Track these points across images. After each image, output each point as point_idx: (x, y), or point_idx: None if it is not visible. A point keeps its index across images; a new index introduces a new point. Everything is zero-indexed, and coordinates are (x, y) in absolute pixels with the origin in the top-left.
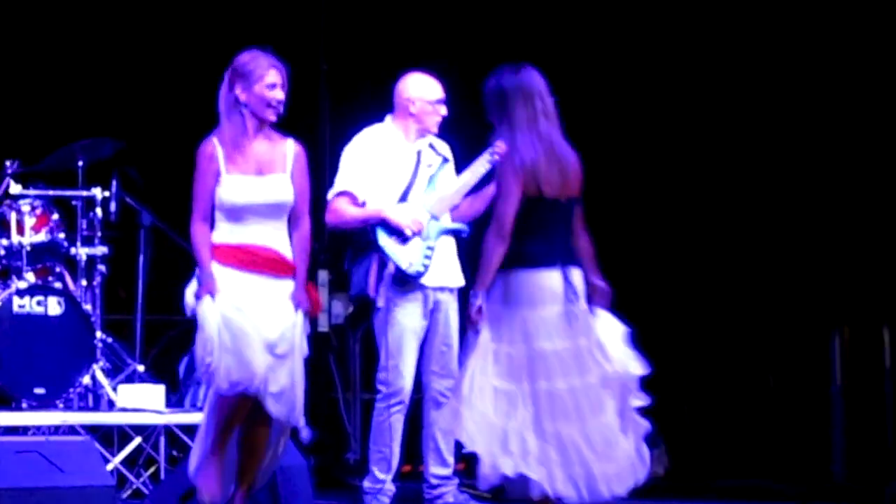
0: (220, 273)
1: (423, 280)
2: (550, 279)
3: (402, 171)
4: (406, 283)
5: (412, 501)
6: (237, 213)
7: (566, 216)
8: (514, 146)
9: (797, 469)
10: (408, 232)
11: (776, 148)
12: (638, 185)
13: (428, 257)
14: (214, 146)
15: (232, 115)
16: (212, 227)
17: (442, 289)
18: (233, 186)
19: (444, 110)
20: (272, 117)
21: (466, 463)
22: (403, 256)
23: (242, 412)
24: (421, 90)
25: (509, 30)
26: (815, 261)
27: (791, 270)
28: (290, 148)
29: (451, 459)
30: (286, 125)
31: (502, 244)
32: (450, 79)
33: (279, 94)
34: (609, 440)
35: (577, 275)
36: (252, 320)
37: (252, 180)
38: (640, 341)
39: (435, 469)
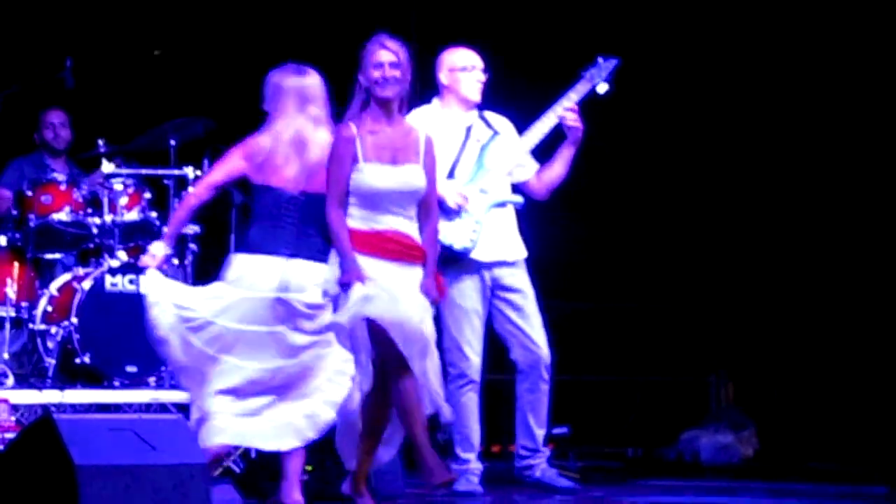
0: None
1: (477, 256)
2: (267, 266)
3: (450, 147)
4: (456, 261)
5: (503, 480)
6: (374, 200)
7: (302, 210)
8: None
9: (888, 451)
10: (451, 205)
11: (866, 139)
12: (738, 176)
13: (475, 232)
14: (352, 130)
15: (358, 99)
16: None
17: (500, 263)
18: (370, 173)
19: (479, 76)
20: (382, 93)
21: (556, 443)
22: (448, 233)
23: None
24: (448, 61)
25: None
26: None
27: (883, 252)
28: (422, 137)
29: (540, 433)
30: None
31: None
32: (531, 54)
33: (386, 71)
34: None
35: (299, 266)
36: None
37: (388, 169)
38: (730, 324)
39: (524, 441)
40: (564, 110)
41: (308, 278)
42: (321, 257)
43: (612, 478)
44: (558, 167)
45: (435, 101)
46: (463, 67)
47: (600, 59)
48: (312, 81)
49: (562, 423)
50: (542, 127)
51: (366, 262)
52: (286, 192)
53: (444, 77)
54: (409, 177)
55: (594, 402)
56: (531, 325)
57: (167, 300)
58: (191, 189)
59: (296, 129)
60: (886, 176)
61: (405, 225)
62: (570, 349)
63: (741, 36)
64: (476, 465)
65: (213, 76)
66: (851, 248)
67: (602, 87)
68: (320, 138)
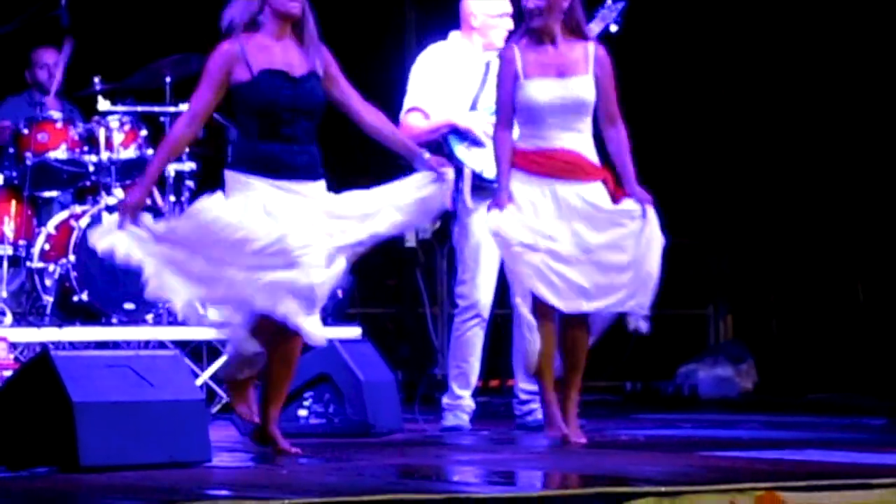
0: (517, 179)
1: None
2: None
3: (470, 81)
4: (484, 189)
5: (501, 416)
6: (536, 116)
7: None
8: None
9: (887, 383)
10: (479, 134)
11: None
12: (736, 108)
13: None
14: (513, 50)
15: (524, 22)
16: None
17: None
18: (531, 88)
19: (509, 23)
20: (531, 24)
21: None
22: (478, 161)
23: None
24: (483, 5)
25: None
26: None
27: (881, 182)
28: (591, 50)
29: None
30: (373, 45)
31: None
32: None
33: (530, 2)
34: None
35: None
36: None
37: (551, 82)
38: (729, 257)
39: (524, 384)
40: None
41: None
42: None
43: (610, 412)
44: None
45: (454, 35)
46: (499, 14)
47: (609, 0)
48: None
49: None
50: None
51: (530, 183)
52: None
53: (475, 21)
54: (574, 89)
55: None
56: None
57: None
58: None
59: None
60: (886, 109)
61: (574, 141)
62: None
63: None
64: (469, 403)
65: (208, 12)
66: (851, 180)
67: (613, 28)
68: None
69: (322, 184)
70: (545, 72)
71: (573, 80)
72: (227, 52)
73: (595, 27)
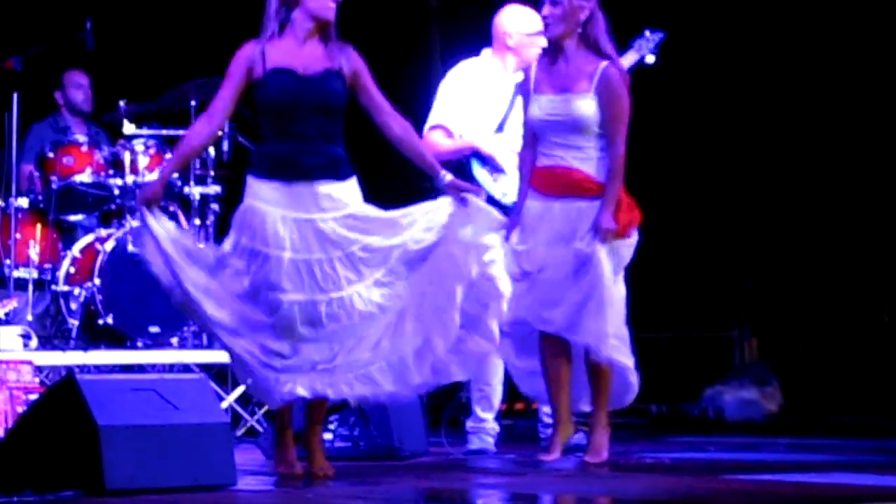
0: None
1: None
2: None
3: (499, 102)
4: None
5: (526, 439)
6: (537, 133)
7: None
8: None
9: None
10: (501, 162)
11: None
12: (760, 128)
13: None
14: (530, 68)
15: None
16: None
17: None
18: (534, 105)
19: (543, 42)
20: (545, 34)
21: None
22: (497, 187)
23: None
24: (519, 23)
25: None
26: None
27: None
28: (601, 68)
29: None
30: (398, 64)
31: None
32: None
33: (545, 10)
34: None
35: None
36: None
37: (550, 99)
38: (753, 279)
39: (549, 409)
40: None
41: None
42: None
43: (636, 434)
44: None
45: (485, 52)
46: (534, 33)
47: (647, 32)
48: None
49: None
50: None
51: (532, 199)
52: None
53: (510, 41)
54: (572, 106)
55: None
56: None
57: None
58: None
59: None
60: None
61: (575, 158)
62: None
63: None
64: (492, 426)
65: (232, 35)
66: (876, 203)
67: (650, 59)
68: None
69: (346, 185)
70: (549, 88)
71: (571, 98)
72: (246, 52)
73: (631, 57)
